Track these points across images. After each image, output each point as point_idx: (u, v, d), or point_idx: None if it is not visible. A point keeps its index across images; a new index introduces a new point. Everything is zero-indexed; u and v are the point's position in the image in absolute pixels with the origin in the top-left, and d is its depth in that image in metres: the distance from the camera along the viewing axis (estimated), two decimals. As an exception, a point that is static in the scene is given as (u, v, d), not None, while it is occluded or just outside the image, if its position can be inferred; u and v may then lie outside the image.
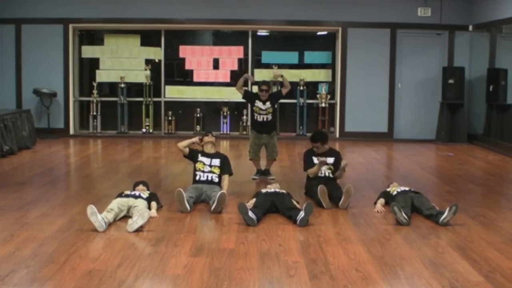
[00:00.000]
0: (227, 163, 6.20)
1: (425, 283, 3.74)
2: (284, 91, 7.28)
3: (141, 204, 5.24)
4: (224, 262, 4.09)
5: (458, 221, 5.21)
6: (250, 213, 5.05)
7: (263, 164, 7.37)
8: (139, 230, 4.80)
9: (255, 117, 7.22)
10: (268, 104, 7.14)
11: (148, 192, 5.67)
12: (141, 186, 5.77)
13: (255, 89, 8.01)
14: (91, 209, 4.81)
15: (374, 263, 4.11)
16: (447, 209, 5.11)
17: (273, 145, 7.26)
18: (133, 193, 5.48)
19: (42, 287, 3.60)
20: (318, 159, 6.19)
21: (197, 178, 6.03)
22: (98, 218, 4.78)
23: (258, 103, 7.16)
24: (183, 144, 6.11)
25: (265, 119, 7.16)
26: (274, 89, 9.88)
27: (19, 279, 3.72)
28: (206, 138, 6.20)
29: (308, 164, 6.28)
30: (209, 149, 6.19)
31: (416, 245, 4.55)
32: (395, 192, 5.71)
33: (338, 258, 4.22)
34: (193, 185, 6.00)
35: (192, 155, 6.16)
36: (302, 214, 5.07)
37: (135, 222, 4.80)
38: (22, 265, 3.96)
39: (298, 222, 5.05)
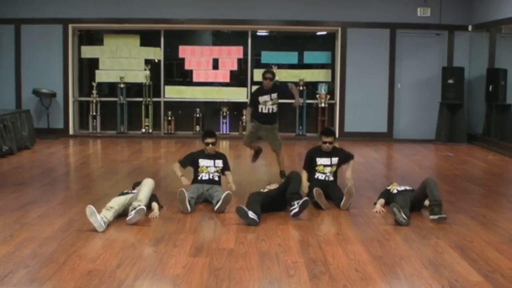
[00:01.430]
0: (227, 161, 6.26)
1: (424, 283, 3.74)
2: (295, 96, 7.15)
3: (141, 203, 5.25)
4: (224, 262, 4.09)
5: (457, 221, 5.21)
6: (251, 214, 5.07)
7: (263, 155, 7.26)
8: (137, 223, 4.95)
9: (260, 109, 7.01)
10: (274, 95, 6.97)
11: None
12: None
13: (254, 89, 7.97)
14: (90, 209, 4.82)
15: (373, 263, 4.11)
16: (437, 217, 5.17)
17: (273, 137, 7.10)
18: (132, 193, 5.49)
19: (42, 287, 3.60)
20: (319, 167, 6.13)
21: (199, 177, 6.02)
22: (98, 218, 4.79)
23: (262, 97, 6.99)
24: (177, 174, 6.06)
25: (270, 110, 6.99)
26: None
27: (18, 279, 3.72)
28: (207, 140, 6.12)
29: (308, 164, 6.20)
30: (210, 150, 6.13)
31: (415, 245, 4.55)
32: (395, 191, 5.72)
33: (338, 258, 4.23)
34: (194, 184, 6.00)
35: (192, 164, 6.12)
36: (296, 208, 5.20)
37: (134, 216, 4.96)
38: (22, 265, 3.96)
39: (291, 214, 5.23)
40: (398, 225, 5.08)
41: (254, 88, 10.85)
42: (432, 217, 5.22)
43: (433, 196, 5.31)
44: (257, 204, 5.27)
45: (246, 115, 7.41)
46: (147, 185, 5.30)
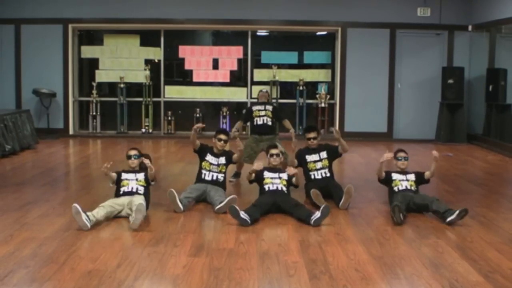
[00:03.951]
0: (230, 155, 6.20)
1: (424, 283, 3.74)
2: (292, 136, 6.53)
3: (138, 199, 5.21)
4: (224, 262, 4.09)
5: (457, 221, 5.20)
6: (242, 214, 5.05)
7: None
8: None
9: (255, 122, 7.19)
10: (269, 107, 7.19)
11: (144, 179, 5.56)
12: (134, 152, 5.72)
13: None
14: (75, 208, 4.79)
15: (373, 263, 4.11)
16: (457, 212, 5.08)
17: None
18: (129, 189, 5.45)
19: (42, 287, 3.60)
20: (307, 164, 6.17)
21: (202, 176, 6.02)
22: (82, 217, 4.78)
23: (256, 106, 7.22)
24: (193, 140, 6.08)
25: (265, 121, 7.14)
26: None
27: (18, 279, 3.72)
28: (220, 136, 6.14)
29: (300, 162, 6.23)
30: (221, 146, 6.13)
31: (415, 245, 4.55)
32: (396, 189, 5.69)
33: (338, 258, 4.23)
34: (194, 184, 5.99)
35: (201, 152, 6.13)
36: (318, 214, 5.07)
37: (136, 218, 4.83)
38: (22, 265, 3.96)
39: (312, 222, 5.04)
40: (398, 224, 5.09)
41: (254, 88, 10.83)
42: (450, 218, 5.07)
43: (443, 209, 5.22)
44: (259, 208, 5.26)
45: (236, 125, 7.48)
46: (141, 211, 5.11)
